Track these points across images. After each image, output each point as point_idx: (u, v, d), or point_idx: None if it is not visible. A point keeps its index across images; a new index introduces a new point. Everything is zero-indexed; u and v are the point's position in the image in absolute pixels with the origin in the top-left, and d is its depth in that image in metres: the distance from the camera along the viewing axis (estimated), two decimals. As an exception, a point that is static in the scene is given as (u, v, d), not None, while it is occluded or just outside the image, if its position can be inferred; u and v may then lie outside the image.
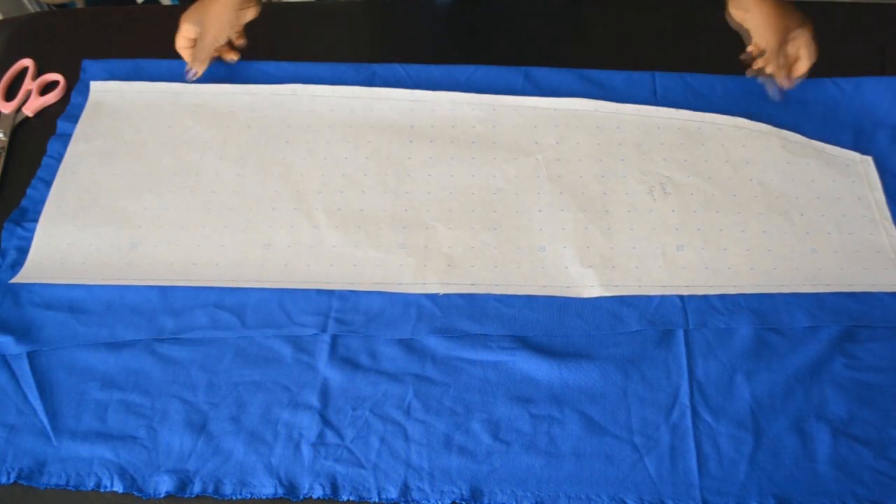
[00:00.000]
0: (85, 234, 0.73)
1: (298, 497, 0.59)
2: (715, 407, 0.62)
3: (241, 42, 0.81)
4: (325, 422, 0.62)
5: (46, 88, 0.85)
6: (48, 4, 1.41)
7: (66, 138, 0.79)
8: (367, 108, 0.80)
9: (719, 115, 0.77)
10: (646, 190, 0.73)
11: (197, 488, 0.60)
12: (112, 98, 0.82)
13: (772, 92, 0.76)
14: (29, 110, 0.83)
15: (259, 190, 0.75)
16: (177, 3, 1.39)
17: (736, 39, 0.77)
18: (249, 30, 0.79)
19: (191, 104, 0.81)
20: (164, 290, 0.69)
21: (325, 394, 0.63)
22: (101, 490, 0.60)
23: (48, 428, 0.62)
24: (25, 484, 0.60)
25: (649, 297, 0.67)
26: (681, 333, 0.65)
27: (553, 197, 0.73)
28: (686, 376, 0.63)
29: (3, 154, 0.79)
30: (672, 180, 0.74)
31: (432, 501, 0.59)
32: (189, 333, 0.66)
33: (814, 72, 0.74)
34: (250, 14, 0.77)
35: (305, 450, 0.61)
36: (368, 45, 0.87)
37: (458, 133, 0.78)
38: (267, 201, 0.74)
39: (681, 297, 0.67)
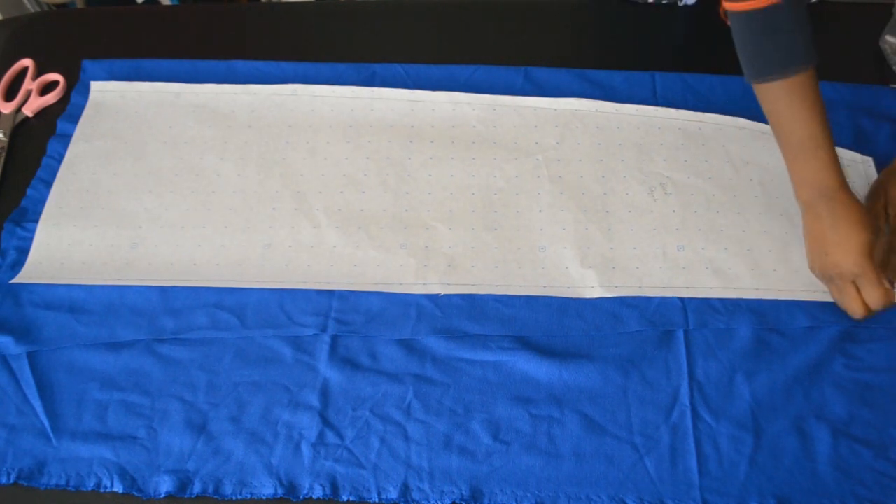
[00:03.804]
0: (85, 234, 0.73)
1: (298, 497, 0.59)
2: (715, 407, 0.62)
3: None
4: (325, 422, 0.62)
5: (46, 88, 0.85)
6: (48, 4, 1.41)
7: (66, 138, 0.79)
8: (367, 108, 0.80)
9: (720, 116, 0.77)
10: (646, 190, 0.73)
11: (197, 488, 0.60)
12: (112, 98, 0.82)
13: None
14: (29, 110, 0.83)
15: (259, 190, 0.75)
16: (177, 2, 1.39)
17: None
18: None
19: (191, 104, 0.81)
20: (164, 291, 0.69)
21: (325, 394, 0.63)
22: (101, 490, 0.60)
23: (48, 428, 0.62)
24: (25, 484, 0.60)
25: (649, 298, 0.67)
26: (681, 334, 0.65)
27: (553, 197, 0.73)
28: (686, 376, 0.63)
29: (3, 154, 0.79)
30: (672, 180, 0.74)
31: (432, 502, 0.59)
32: (189, 333, 0.66)
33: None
34: None
35: (305, 450, 0.61)
36: (368, 45, 0.87)
37: (459, 133, 0.78)
38: (267, 201, 0.74)
39: (681, 298, 0.67)
